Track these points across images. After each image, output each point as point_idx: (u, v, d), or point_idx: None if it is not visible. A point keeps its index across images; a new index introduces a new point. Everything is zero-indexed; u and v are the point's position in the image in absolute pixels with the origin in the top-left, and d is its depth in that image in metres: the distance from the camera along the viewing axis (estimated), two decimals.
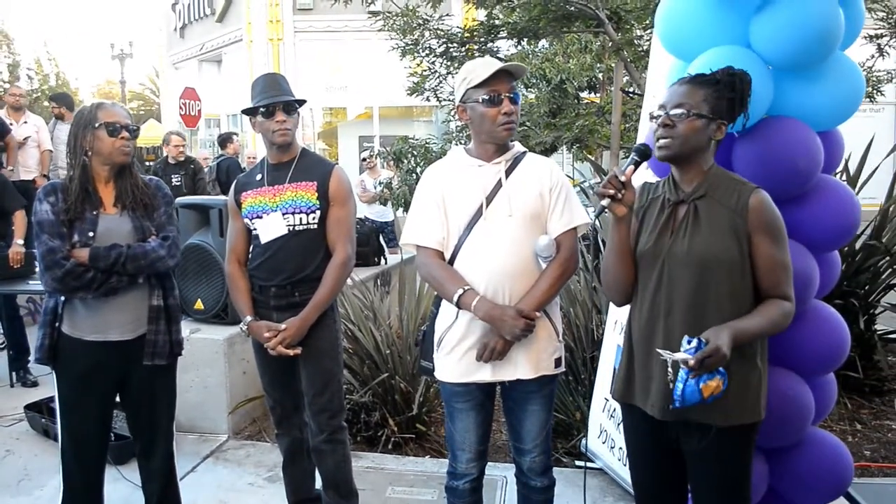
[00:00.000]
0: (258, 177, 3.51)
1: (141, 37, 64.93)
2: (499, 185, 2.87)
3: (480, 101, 2.83)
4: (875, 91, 7.28)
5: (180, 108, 16.44)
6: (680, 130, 2.40)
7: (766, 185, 2.89)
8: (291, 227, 3.39)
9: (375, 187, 11.07)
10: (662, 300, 2.44)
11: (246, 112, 3.50)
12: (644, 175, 3.13)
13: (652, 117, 2.48)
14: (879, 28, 7.27)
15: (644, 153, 2.47)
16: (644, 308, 2.49)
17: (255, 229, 3.46)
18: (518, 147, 3.00)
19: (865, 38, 7.18)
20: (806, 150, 2.87)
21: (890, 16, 7.09)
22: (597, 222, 2.92)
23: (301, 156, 3.50)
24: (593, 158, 9.14)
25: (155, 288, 3.21)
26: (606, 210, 2.41)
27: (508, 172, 2.90)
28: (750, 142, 2.92)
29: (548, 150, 7.94)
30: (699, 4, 2.95)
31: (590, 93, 12.39)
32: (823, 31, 2.76)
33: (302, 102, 3.55)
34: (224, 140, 11.56)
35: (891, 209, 5.84)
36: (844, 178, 5.77)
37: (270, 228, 3.41)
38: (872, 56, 7.27)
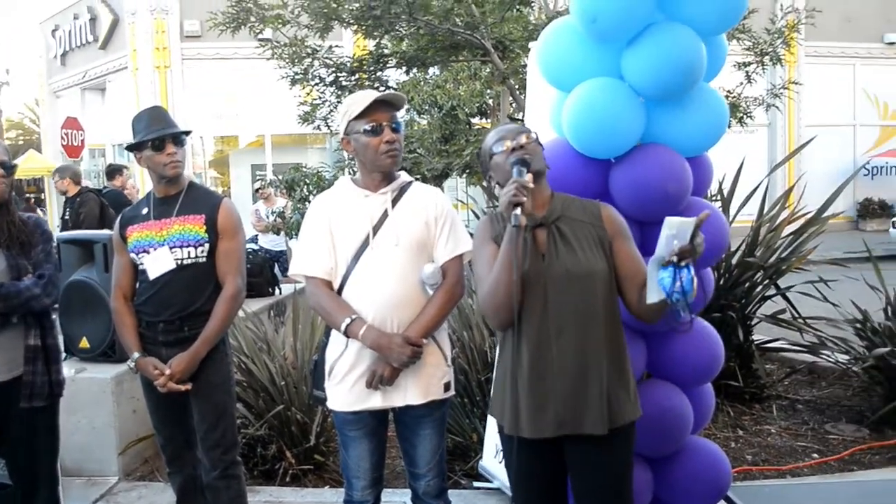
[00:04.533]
0: (144, 211, 3.45)
1: (19, 64, 62.21)
2: (385, 214, 2.92)
3: (362, 131, 2.89)
4: (745, 116, 7.74)
5: (62, 138, 15.87)
6: (530, 148, 2.57)
7: (640, 209, 3.07)
8: (179, 261, 3.34)
9: (269, 216, 10.96)
10: (551, 322, 2.51)
11: (131, 147, 3.44)
12: None
13: (508, 150, 2.58)
14: (747, 56, 7.75)
15: (526, 162, 2.55)
16: (531, 332, 2.54)
17: (141, 264, 3.39)
18: (404, 177, 3.07)
19: (735, 65, 7.63)
20: (675, 175, 3.06)
21: (756, 45, 7.57)
22: None
23: (188, 188, 3.47)
24: (484, 184, 9.30)
25: (32, 327, 3.11)
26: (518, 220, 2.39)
27: (395, 202, 2.96)
28: (624, 168, 3.09)
29: (439, 177, 8.06)
30: (575, 40, 3.10)
31: (481, 118, 12.64)
32: (688, 64, 2.96)
33: (189, 133, 3.53)
34: (112, 171, 11.21)
35: (762, 227, 6.17)
36: (719, 198, 6.07)
37: (158, 263, 3.36)
38: (741, 83, 7.73)
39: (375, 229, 2.89)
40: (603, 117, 2.96)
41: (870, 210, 21.70)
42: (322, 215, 2.98)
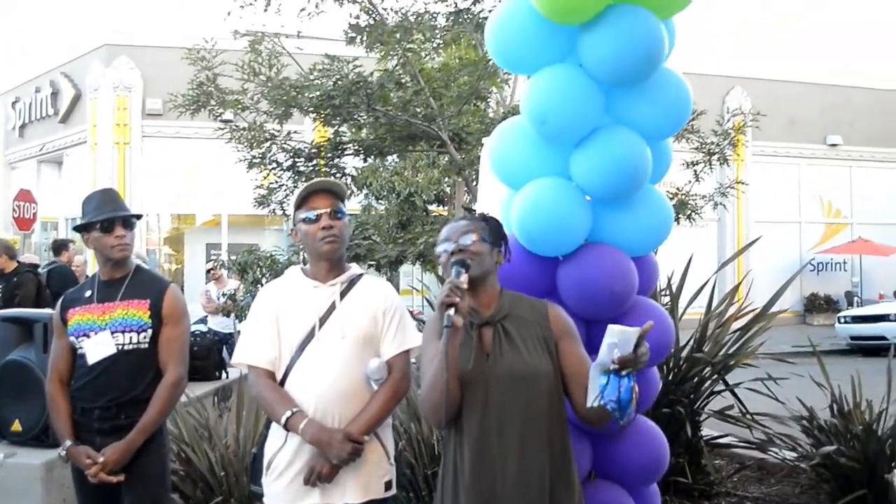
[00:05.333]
0: (87, 293, 3.39)
1: None
2: (333, 306, 2.91)
3: (303, 219, 2.91)
4: (693, 213, 7.95)
5: (14, 210, 15.62)
6: (473, 251, 2.57)
7: (586, 308, 3.10)
8: (120, 347, 3.27)
9: (219, 298, 10.82)
10: (493, 421, 2.49)
11: (79, 228, 3.41)
12: None
13: (445, 254, 2.61)
14: (696, 156, 8.00)
15: (465, 263, 2.56)
16: (472, 431, 2.51)
17: (80, 348, 3.31)
18: (355, 269, 3.06)
19: (684, 164, 7.87)
20: (621, 275, 3.11)
21: (704, 145, 7.83)
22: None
23: (135, 273, 3.43)
24: (439, 272, 9.35)
25: None
26: (452, 321, 2.39)
27: (343, 294, 2.95)
28: (570, 267, 3.13)
29: (394, 263, 8.09)
30: (524, 139, 3.18)
31: (438, 205, 12.79)
32: (633, 168, 3.05)
33: (139, 217, 3.51)
34: (59, 247, 11.00)
35: (710, 322, 6.24)
36: (668, 293, 6.15)
37: (98, 348, 3.28)
38: (690, 181, 7.96)
39: (322, 321, 2.87)
40: (550, 217, 3.02)
41: (816, 305, 22.19)
42: (269, 304, 2.96)
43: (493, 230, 2.66)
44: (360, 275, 3.06)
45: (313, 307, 2.90)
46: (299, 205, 2.92)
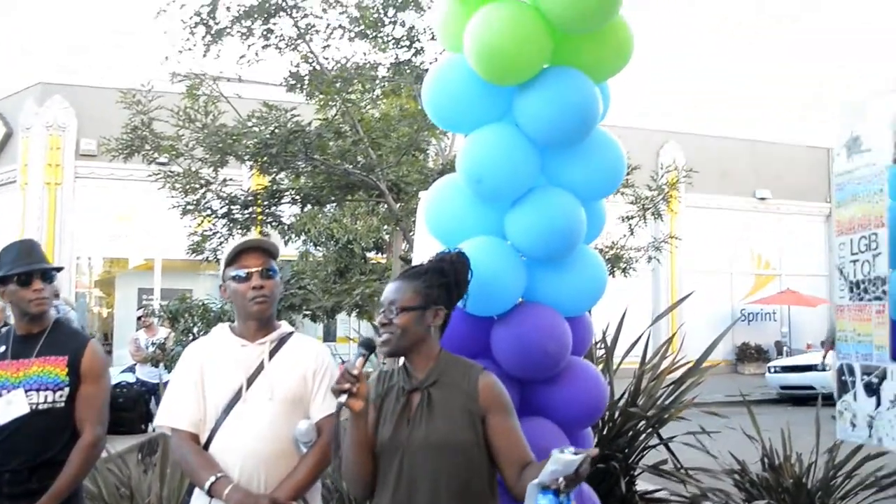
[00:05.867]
0: (1, 349, 3.23)
1: None
2: (261, 366, 2.82)
3: (233, 277, 2.83)
4: (628, 266, 8.07)
5: None
6: (396, 325, 2.50)
7: (520, 368, 3.07)
8: (34, 406, 3.11)
9: (148, 346, 10.50)
10: (403, 490, 2.43)
11: None
12: None
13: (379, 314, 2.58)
14: (630, 210, 8.15)
15: (370, 345, 2.54)
16: (385, 501, 2.46)
17: None
18: (285, 327, 2.99)
19: (619, 218, 8.01)
20: (555, 336, 3.09)
21: (638, 200, 7.98)
22: None
23: (53, 327, 3.28)
24: (376, 322, 9.26)
25: None
26: (345, 406, 2.38)
27: (272, 353, 2.86)
28: (504, 327, 3.11)
29: (329, 313, 7.98)
30: (460, 197, 3.17)
31: (377, 253, 12.72)
32: (567, 229, 3.06)
33: (59, 269, 3.38)
34: None
35: (644, 375, 6.28)
36: (602, 346, 6.18)
37: (10, 407, 3.12)
38: (625, 235, 8.09)
39: (249, 381, 2.78)
40: (484, 276, 2.99)
41: (747, 354, 22.65)
42: (194, 363, 2.86)
43: (434, 285, 2.59)
44: (291, 333, 2.98)
45: (241, 366, 2.81)
46: (230, 262, 2.85)
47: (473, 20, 2.88)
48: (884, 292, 2.93)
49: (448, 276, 2.60)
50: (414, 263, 4.17)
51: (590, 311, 3.57)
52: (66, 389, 3.16)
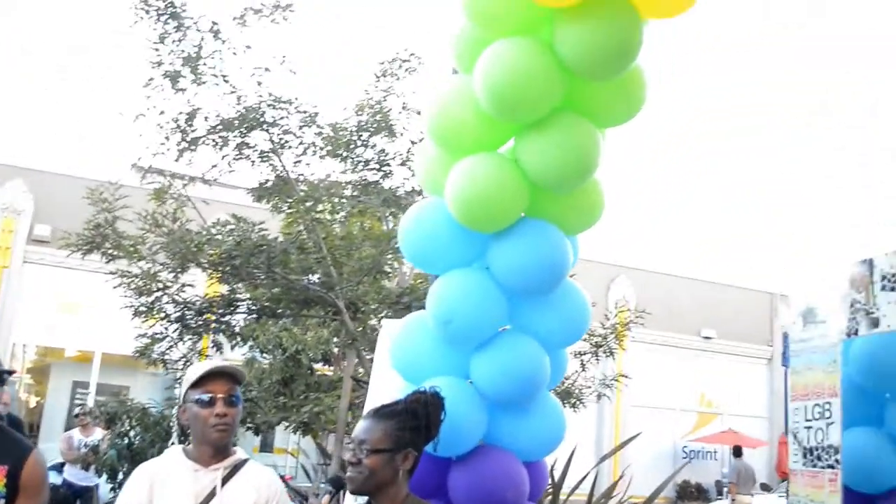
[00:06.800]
0: None
1: None
2: (213, 493, 2.76)
3: (195, 400, 2.80)
4: (578, 401, 8.12)
5: None
6: (365, 465, 2.50)
7: None
8: None
9: (81, 447, 10.08)
10: None
11: None
12: None
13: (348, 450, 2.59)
14: (583, 347, 8.28)
15: (338, 484, 2.53)
16: None
17: None
18: (240, 454, 2.94)
19: (572, 354, 8.10)
20: (513, 483, 3.10)
21: (591, 337, 8.12)
22: None
23: None
24: (319, 440, 9.10)
25: None
26: None
27: (225, 480, 2.81)
28: (463, 470, 3.10)
29: (273, 425, 7.83)
30: (427, 337, 3.21)
31: (324, 365, 12.57)
32: (530, 375, 3.12)
33: (12, 372, 3.29)
34: None
35: None
36: (550, 483, 6.15)
37: None
38: (576, 371, 8.19)
39: None
40: (446, 417, 3.00)
41: (687, 493, 22.48)
42: (143, 485, 2.78)
43: (406, 427, 2.59)
44: (245, 460, 2.94)
45: (192, 492, 2.75)
46: (194, 384, 2.82)
47: (456, 169, 3.01)
48: (837, 461, 3.00)
49: (421, 419, 2.61)
50: (372, 389, 4.16)
51: None
52: (2, 501, 3.03)
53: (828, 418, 3.05)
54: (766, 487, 17.85)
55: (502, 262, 3.08)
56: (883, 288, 2.93)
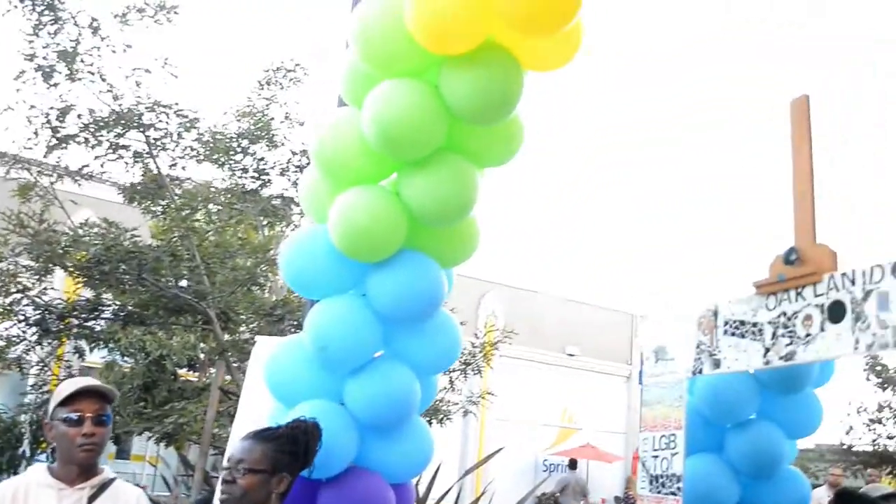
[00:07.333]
0: None
1: None
2: None
3: (62, 419, 2.77)
4: (445, 418, 8.31)
5: None
6: (239, 484, 2.56)
7: None
8: None
9: None
10: None
11: None
12: None
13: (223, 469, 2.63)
14: (452, 365, 8.45)
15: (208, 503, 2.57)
16: None
17: None
18: (107, 473, 2.92)
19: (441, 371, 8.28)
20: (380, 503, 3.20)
21: (461, 355, 8.31)
22: None
23: None
24: (182, 450, 8.89)
25: None
26: None
27: (91, 499, 2.79)
28: (332, 491, 3.17)
29: (134, 434, 7.62)
30: (302, 359, 3.27)
31: (189, 370, 12.26)
32: (402, 400, 3.24)
33: None
34: None
35: None
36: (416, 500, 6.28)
37: None
38: (445, 388, 8.38)
39: None
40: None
41: None
42: None
43: (284, 451, 2.64)
44: (113, 479, 2.92)
45: None
46: (63, 402, 2.78)
47: (340, 200, 3.10)
48: (679, 488, 3.28)
49: (300, 446, 2.68)
50: (242, 405, 4.16)
51: None
52: None
53: (672, 449, 3.32)
54: (619, 500, 18.65)
55: (380, 292, 3.19)
56: (725, 332, 3.24)
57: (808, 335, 2.90)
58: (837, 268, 2.89)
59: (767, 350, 3.05)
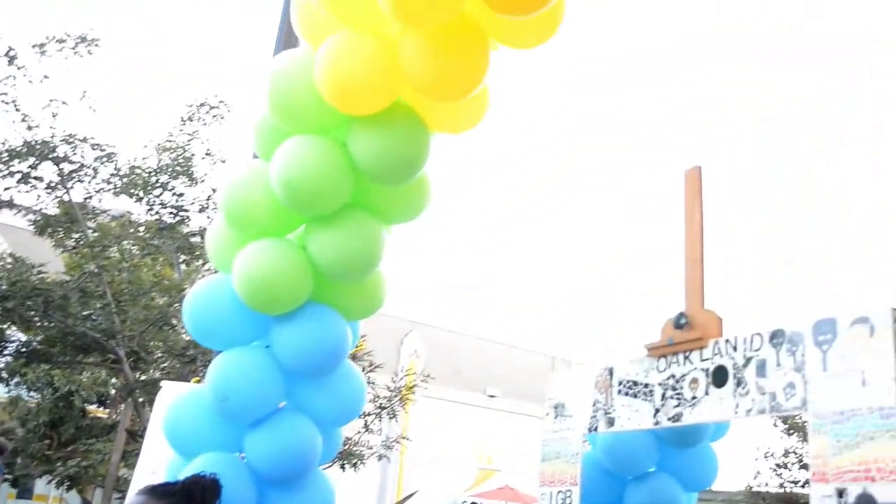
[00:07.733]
0: None
1: None
2: None
3: None
4: (359, 462, 8.25)
5: None
6: None
7: None
8: None
9: None
10: None
11: None
12: None
13: None
14: (368, 408, 8.43)
15: None
16: None
17: None
18: None
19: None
20: None
21: (376, 399, 8.31)
22: None
23: None
24: (84, 493, 8.61)
25: None
26: None
27: None
28: None
29: (34, 478, 7.35)
30: (202, 412, 3.25)
31: (99, 407, 11.91)
32: (301, 454, 3.24)
33: None
34: None
35: None
36: None
37: None
38: (359, 431, 8.34)
39: None
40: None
41: None
42: None
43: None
44: None
45: None
46: None
47: (245, 252, 3.11)
48: None
49: (195, 500, 2.65)
50: (145, 451, 4.08)
51: None
52: None
53: None
54: None
55: (284, 344, 3.20)
56: (619, 392, 3.35)
57: (693, 398, 3.02)
58: (722, 333, 3.04)
59: (657, 411, 3.16)
